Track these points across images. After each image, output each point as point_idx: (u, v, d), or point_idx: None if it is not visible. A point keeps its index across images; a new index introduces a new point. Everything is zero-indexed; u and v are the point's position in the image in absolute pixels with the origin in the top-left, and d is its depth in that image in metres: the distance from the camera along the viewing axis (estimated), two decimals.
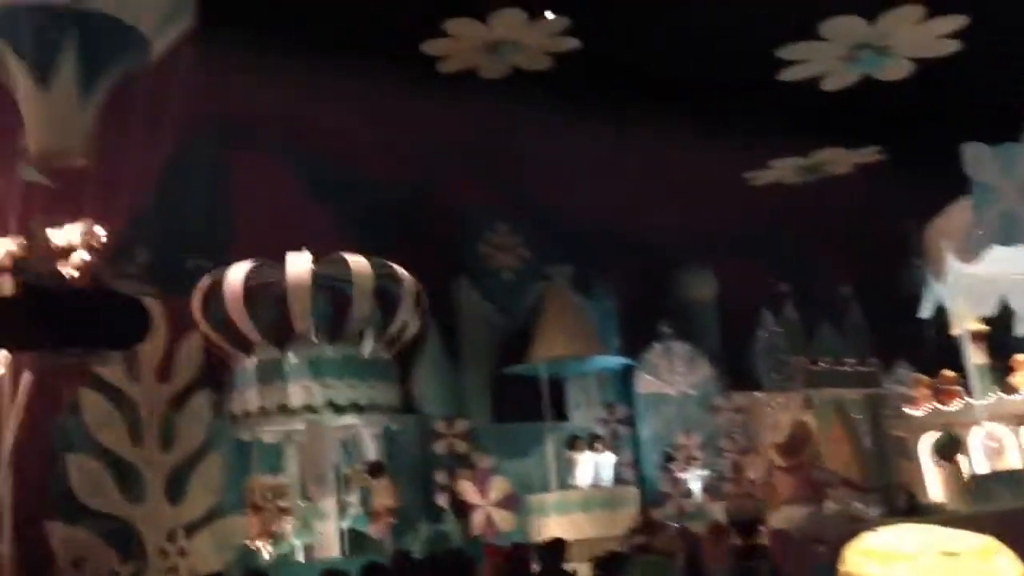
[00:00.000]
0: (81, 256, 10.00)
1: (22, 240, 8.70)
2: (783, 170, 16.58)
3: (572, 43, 12.99)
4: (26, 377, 9.70)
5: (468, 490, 12.94)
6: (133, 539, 10.84)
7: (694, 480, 14.16)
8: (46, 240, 8.86)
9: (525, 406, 13.96)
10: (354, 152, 13.92)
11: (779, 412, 15.42)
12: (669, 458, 14.46)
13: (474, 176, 14.83)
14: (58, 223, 9.44)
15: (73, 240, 10.43)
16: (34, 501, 10.25)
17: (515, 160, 14.84)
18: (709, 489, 14.28)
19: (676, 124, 13.78)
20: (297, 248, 11.52)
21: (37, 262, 8.35)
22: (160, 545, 10.87)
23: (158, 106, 9.05)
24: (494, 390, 14.26)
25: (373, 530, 11.70)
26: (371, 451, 12.33)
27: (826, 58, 13.64)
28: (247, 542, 11.12)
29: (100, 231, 10.49)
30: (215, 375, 11.79)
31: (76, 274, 8.59)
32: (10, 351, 9.44)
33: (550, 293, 14.13)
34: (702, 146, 14.24)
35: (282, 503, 11.18)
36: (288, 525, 11.19)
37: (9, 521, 9.80)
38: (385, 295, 11.86)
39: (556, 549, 7.67)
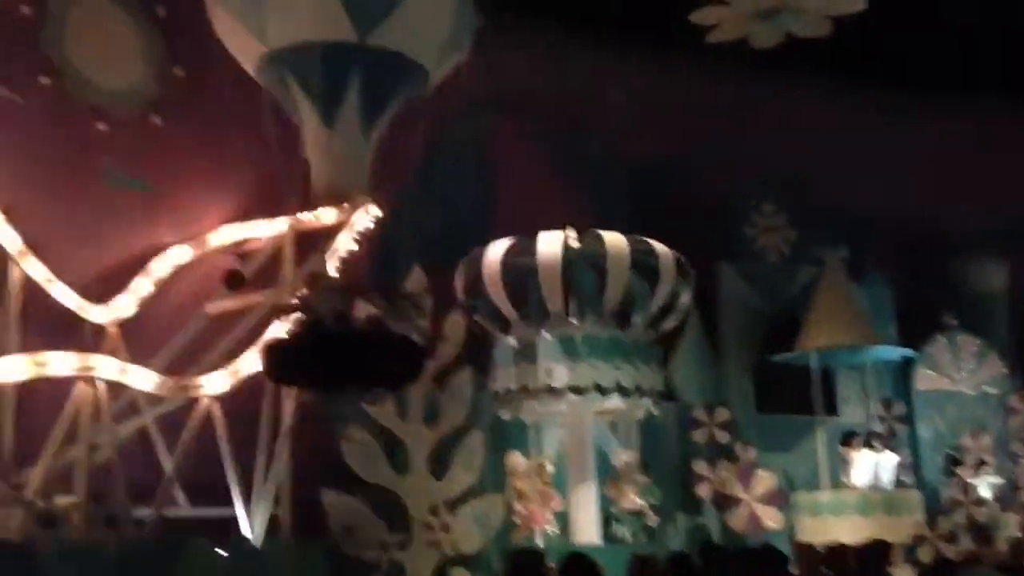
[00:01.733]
0: (364, 224, 10.14)
1: (307, 280, 8.78)
2: None
3: (857, 4, 11.96)
4: None
5: (731, 483, 12.36)
6: (400, 511, 11.00)
7: (984, 487, 12.81)
8: (330, 280, 8.96)
9: (790, 397, 13.18)
10: (615, 129, 13.50)
11: None
12: (955, 461, 13.19)
13: (740, 154, 14.03)
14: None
15: (349, 215, 10.69)
16: (311, 471, 10.59)
17: (785, 137, 13.92)
18: (1001, 498, 12.91)
19: (973, 95, 12.39)
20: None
21: (321, 302, 8.39)
22: (424, 519, 10.96)
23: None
24: (757, 379, 13.53)
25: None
26: (630, 438, 11.99)
27: None
28: (515, 520, 11.12)
29: (375, 209, 10.69)
30: (478, 352, 11.76)
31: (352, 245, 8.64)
32: (288, 386, 9.67)
33: (825, 278, 13.17)
34: (1005, 121, 12.71)
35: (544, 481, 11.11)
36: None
37: (288, 489, 10.16)
38: (651, 273, 11.43)
39: (880, 552, 6.97)
